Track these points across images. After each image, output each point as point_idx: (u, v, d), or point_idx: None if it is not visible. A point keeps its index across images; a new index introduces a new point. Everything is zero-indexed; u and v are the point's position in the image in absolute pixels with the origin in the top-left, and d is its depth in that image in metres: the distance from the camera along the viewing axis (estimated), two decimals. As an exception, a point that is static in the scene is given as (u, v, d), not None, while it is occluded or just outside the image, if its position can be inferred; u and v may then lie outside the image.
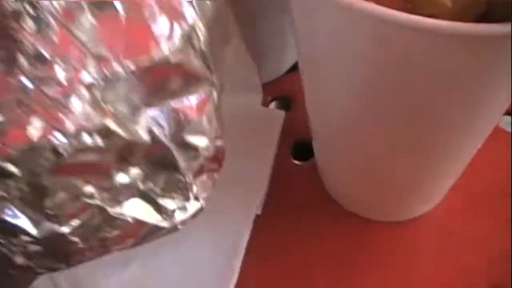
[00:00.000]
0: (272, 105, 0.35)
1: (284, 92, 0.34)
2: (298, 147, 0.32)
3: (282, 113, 0.33)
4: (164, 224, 0.21)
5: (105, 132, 0.18)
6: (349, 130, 0.23)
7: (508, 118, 0.32)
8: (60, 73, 0.17)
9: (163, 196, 0.21)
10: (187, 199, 0.21)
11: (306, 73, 0.23)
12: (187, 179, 0.21)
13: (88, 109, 0.17)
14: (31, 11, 0.16)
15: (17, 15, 0.16)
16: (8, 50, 0.16)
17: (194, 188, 0.21)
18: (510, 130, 0.31)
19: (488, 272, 0.27)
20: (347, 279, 0.27)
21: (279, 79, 0.34)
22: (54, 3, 0.17)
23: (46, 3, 0.16)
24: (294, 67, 0.35)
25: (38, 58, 0.17)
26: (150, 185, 0.20)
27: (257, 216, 0.29)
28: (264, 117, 0.33)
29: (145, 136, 0.19)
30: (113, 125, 0.18)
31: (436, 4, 0.17)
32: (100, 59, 0.17)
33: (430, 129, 0.21)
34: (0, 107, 0.16)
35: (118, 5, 0.17)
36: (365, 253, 0.28)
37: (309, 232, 0.28)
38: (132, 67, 0.18)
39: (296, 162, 0.31)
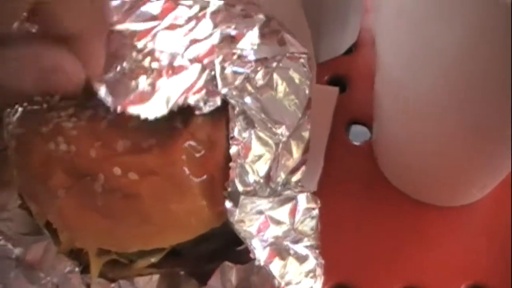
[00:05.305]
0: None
1: (340, 73, 0.35)
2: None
3: (336, 90, 0.32)
4: None
5: None
6: (423, 111, 0.23)
7: None
8: None
9: None
10: None
11: (386, 49, 0.23)
12: None
13: None
14: None
15: None
16: None
17: None
18: None
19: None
20: (400, 253, 0.28)
21: (337, 59, 0.35)
22: None
23: None
24: (351, 49, 0.35)
25: None
26: None
27: (313, 192, 0.29)
28: (318, 94, 0.32)
29: None
30: None
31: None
32: None
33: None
34: None
35: None
36: (418, 233, 0.28)
37: (363, 210, 0.29)
38: None
39: (353, 142, 0.32)
